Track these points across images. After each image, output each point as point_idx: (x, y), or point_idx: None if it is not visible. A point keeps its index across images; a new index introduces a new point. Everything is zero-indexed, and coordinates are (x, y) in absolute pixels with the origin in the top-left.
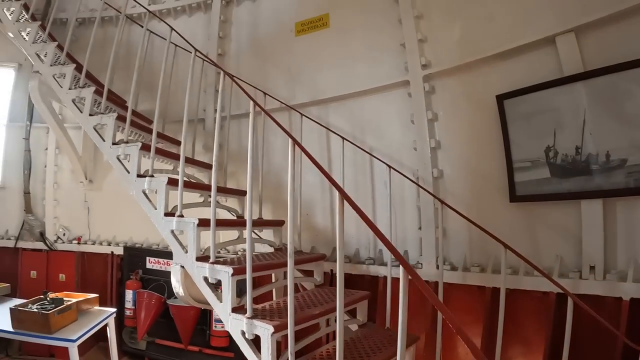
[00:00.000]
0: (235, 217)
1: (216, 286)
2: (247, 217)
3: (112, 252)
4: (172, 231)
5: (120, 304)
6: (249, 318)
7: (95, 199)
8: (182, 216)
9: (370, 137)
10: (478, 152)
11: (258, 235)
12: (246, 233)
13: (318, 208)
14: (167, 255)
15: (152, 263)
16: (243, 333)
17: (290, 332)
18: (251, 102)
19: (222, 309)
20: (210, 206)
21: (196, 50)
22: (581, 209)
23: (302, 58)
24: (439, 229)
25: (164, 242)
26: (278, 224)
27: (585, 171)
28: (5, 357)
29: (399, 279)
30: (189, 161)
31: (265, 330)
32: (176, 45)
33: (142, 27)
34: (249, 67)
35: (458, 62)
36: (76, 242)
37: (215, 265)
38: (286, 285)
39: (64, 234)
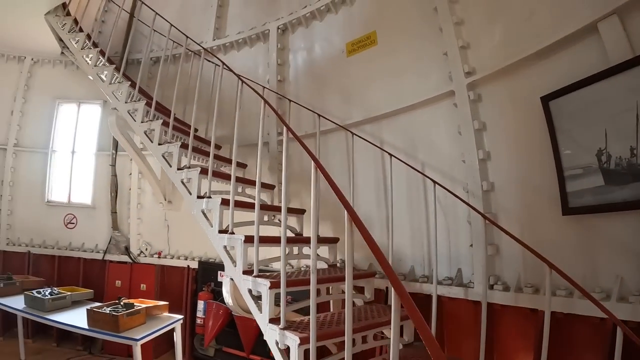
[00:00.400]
0: (294, 235)
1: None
2: (282, 234)
3: (188, 265)
4: (225, 247)
5: (193, 313)
6: (281, 329)
7: (174, 218)
8: (233, 233)
9: (422, 151)
10: (528, 161)
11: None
12: (297, 249)
13: (376, 225)
14: None
15: (223, 277)
16: (277, 343)
17: (312, 345)
18: (285, 129)
19: (261, 319)
20: (271, 224)
21: (242, 80)
22: None
23: (355, 77)
24: (488, 246)
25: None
26: (332, 241)
27: None
28: (89, 354)
29: (446, 297)
30: (251, 182)
31: (293, 341)
32: (239, 77)
33: (211, 62)
34: (307, 90)
35: (501, 65)
36: (157, 256)
37: (257, 278)
38: (337, 300)
39: (146, 249)
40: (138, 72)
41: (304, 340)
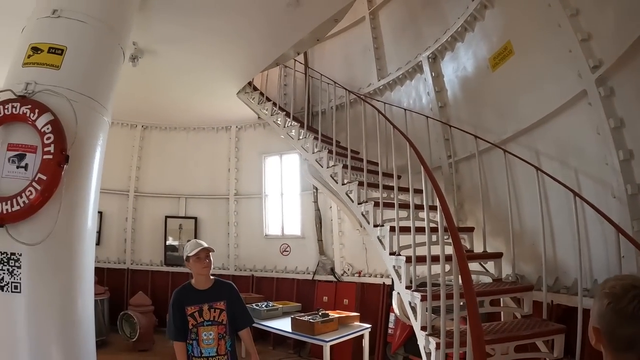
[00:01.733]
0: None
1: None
2: (426, 251)
3: (384, 282)
4: (394, 266)
5: (386, 323)
6: (426, 335)
7: (370, 241)
8: (399, 255)
9: (572, 158)
10: None
11: (484, 268)
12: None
13: (541, 237)
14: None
15: None
16: (424, 347)
17: (441, 350)
18: (423, 167)
19: (416, 326)
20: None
21: (392, 125)
22: None
23: (503, 91)
24: None
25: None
26: (496, 256)
27: None
28: (298, 357)
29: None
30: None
31: (432, 345)
32: (405, 110)
33: (375, 102)
34: (466, 111)
35: (622, 49)
36: (357, 275)
37: (413, 292)
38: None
39: (348, 269)
40: (322, 121)
41: (439, 346)
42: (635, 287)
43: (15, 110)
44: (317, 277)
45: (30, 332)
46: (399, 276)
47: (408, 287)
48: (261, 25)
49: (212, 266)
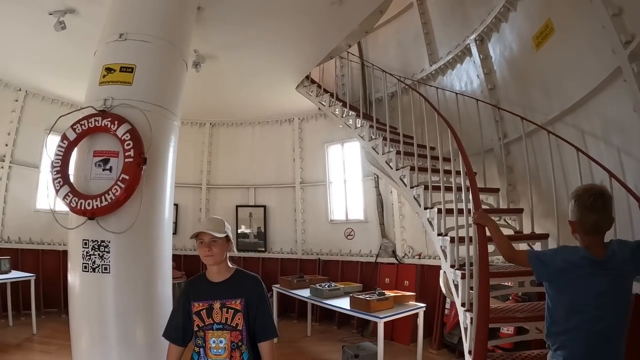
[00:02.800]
0: (512, 233)
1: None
2: (465, 233)
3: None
4: (441, 246)
5: (444, 304)
6: (465, 311)
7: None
8: (445, 235)
9: (615, 136)
10: None
11: (531, 247)
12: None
13: None
14: None
15: None
16: (463, 322)
17: (475, 324)
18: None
19: (457, 302)
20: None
21: (425, 98)
22: None
23: (547, 70)
24: None
25: None
26: (542, 237)
27: None
28: (361, 336)
29: None
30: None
31: (468, 320)
32: (457, 94)
33: (419, 88)
34: (514, 92)
35: None
36: (417, 257)
37: (455, 270)
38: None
39: (409, 252)
40: (379, 108)
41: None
42: (592, 188)
43: (98, 123)
44: (379, 260)
45: (117, 307)
46: (445, 255)
47: (452, 266)
48: (309, 26)
49: (223, 256)
